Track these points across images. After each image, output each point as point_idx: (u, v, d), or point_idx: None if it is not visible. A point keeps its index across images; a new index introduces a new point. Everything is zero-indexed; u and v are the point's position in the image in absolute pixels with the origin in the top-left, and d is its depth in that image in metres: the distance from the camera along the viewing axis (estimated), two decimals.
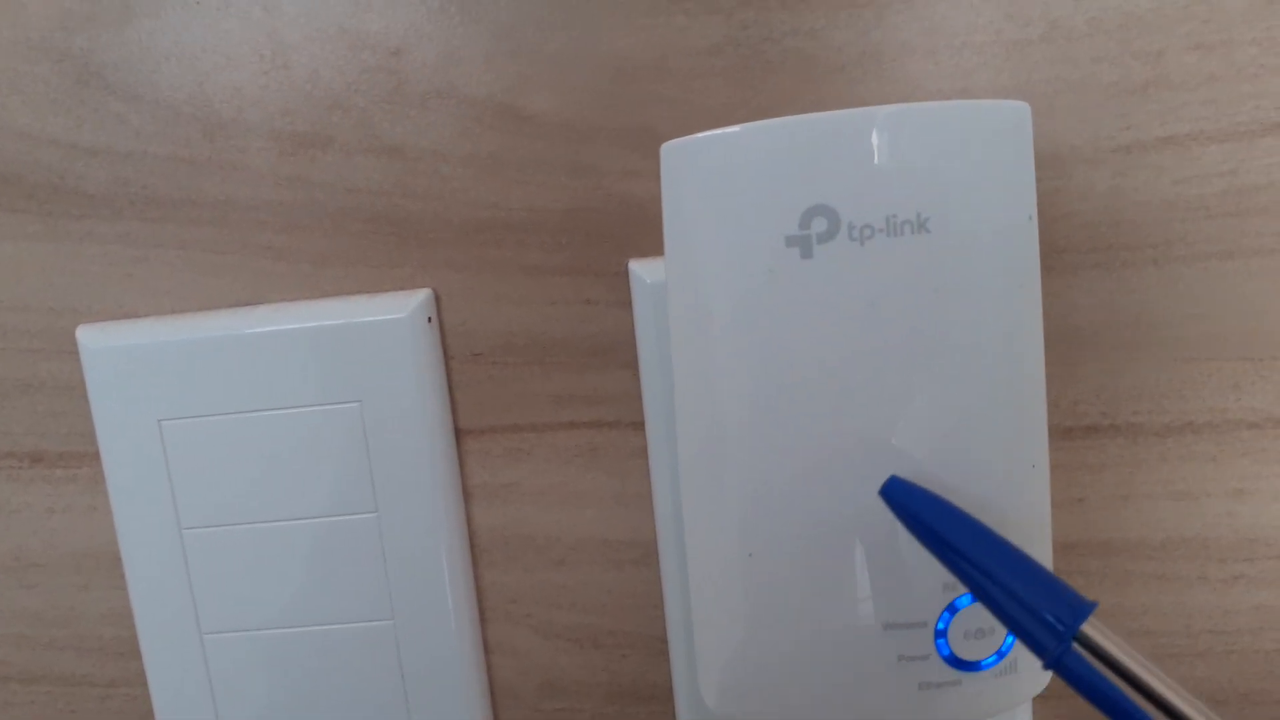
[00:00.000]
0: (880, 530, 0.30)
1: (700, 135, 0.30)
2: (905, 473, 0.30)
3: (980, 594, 0.27)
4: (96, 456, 0.41)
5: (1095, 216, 0.37)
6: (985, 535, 0.28)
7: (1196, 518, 0.38)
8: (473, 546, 0.41)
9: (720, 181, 0.30)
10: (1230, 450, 0.38)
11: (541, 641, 0.42)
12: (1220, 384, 0.37)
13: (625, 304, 0.39)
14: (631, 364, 0.39)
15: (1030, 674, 0.32)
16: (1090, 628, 0.25)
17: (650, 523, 0.40)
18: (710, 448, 0.31)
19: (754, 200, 0.29)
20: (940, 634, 0.31)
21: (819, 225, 0.29)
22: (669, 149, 0.30)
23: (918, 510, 0.29)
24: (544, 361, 0.39)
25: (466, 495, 0.41)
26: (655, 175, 0.37)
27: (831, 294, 0.29)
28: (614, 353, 0.39)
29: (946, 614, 0.31)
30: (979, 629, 0.31)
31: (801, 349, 0.30)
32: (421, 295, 0.39)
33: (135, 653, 0.43)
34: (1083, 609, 0.25)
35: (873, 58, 0.36)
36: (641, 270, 0.38)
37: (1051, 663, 0.25)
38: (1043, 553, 0.32)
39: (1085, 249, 0.37)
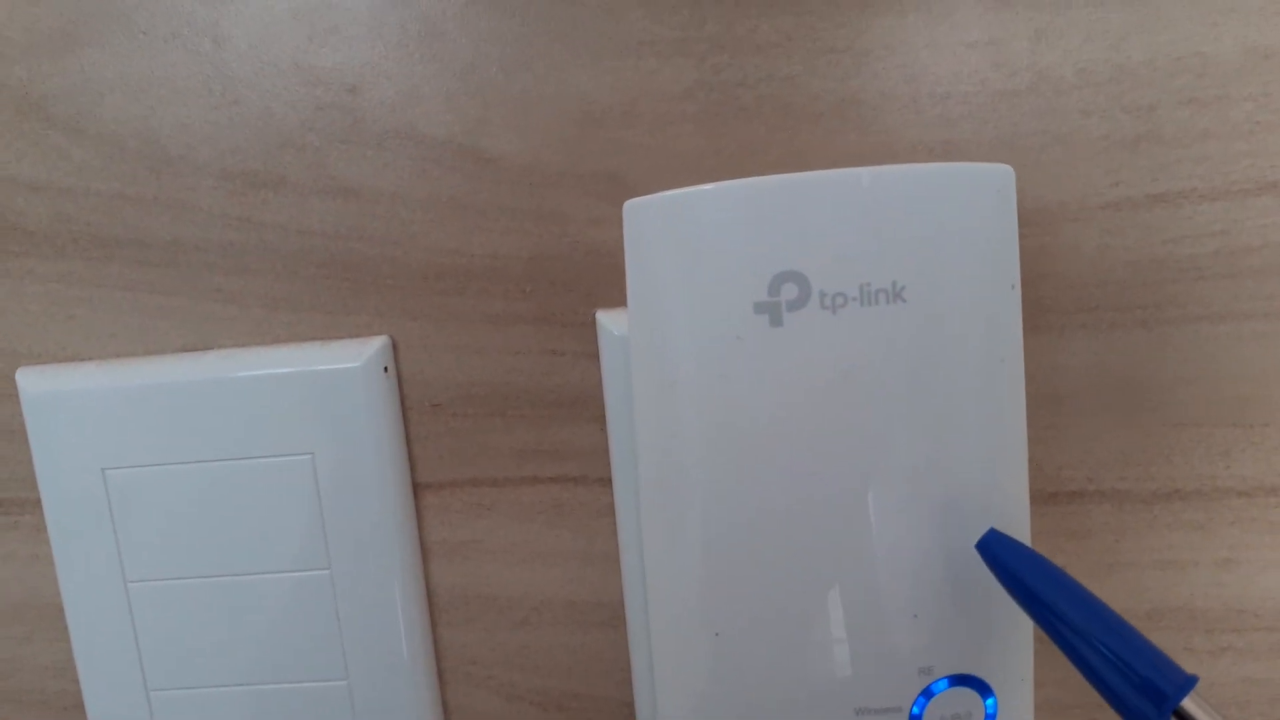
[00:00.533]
0: (854, 610, 0.29)
1: (666, 194, 0.28)
2: (880, 553, 0.28)
3: (1076, 657, 0.25)
4: (39, 503, 0.39)
5: (1082, 276, 0.35)
6: (1085, 598, 0.26)
7: (1184, 587, 0.37)
8: (431, 605, 0.39)
9: (686, 243, 0.28)
10: (1219, 519, 0.36)
11: (503, 704, 0.40)
12: (1210, 450, 0.36)
13: (592, 355, 0.37)
14: (599, 418, 0.37)
15: None
16: (1191, 703, 0.23)
17: (617, 583, 0.39)
18: (675, 519, 0.30)
19: (722, 264, 0.28)
20: (915, 719, 0.29)
21: (789, 292, 0.27)
22: (632, 207, 0.28)
23: (1015, 566, 0.27)
24: (506, 414, 0.38)
25: (425, 552, 0.39)
26: (621, 222, 0.35)
27: (802, 363, 0.27)
28: (580, 406, 0.37)
29: (922, 698, 0.29)
30: (955, 714, 0.29)
31: (770, 419, 0.28)
32: (378, 343, 0.37)
33: (78, 706, 0.41)
34: (1186, 682, 0.24)
35: (852, 105, 0.34)
36: (609, 321, 0.36)
37: None
38: (1023, 634, 0.30)
39: (1071, 309, 0.35)
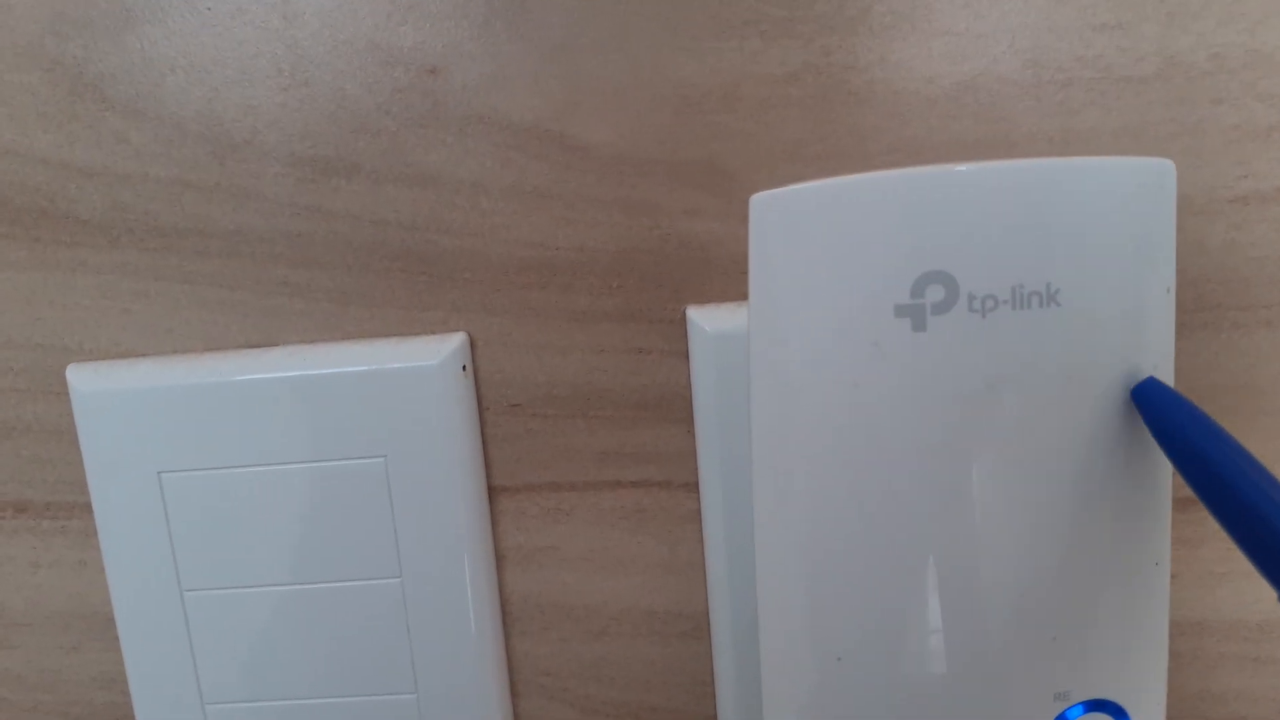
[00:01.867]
0: (990, 634, 0.27)
1: (798, 186, 0.26)
2: (1016, 573, 0.26)
3: (1223, 507, 0.24)
4: (88, 507, 0.37)
5: (1206, 272, 0.33)
6: (1244, 453, 0.24)
7: None
8: (504, 615, 0.37)
9: (820, 240, 0.26)
10: None
11: (579, 717, 0.38)
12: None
13: (681, 354, 0.35)
14: (686, 420, 0.35)
15: None
16: None
17: (701, 593, 0.37)
18: (794, 538, 0.28)
19: (859, 263, 0.26)
20: None
21: (934, 294, 0.25)
22: (760, 201, 0.26)
23: (1171, 415, 0.25)
24: (588, 415, 0.36)
25: (499, 559, 0.37)
26: (720, 215, 0.34)
27: (946, 372, 0.25)
28: (667, 407, 0.35)
29: None
30: None
31: (908, 431, 0.26)
32: (455, 340, 0.35)
33: (130, 719, 0.39)
34: None
35: (968, 91, 0.32)
36: (700, 318, 0.34)
37: None
38: (1159, 660, 0.29)
39: (1193, 307, 0.33)
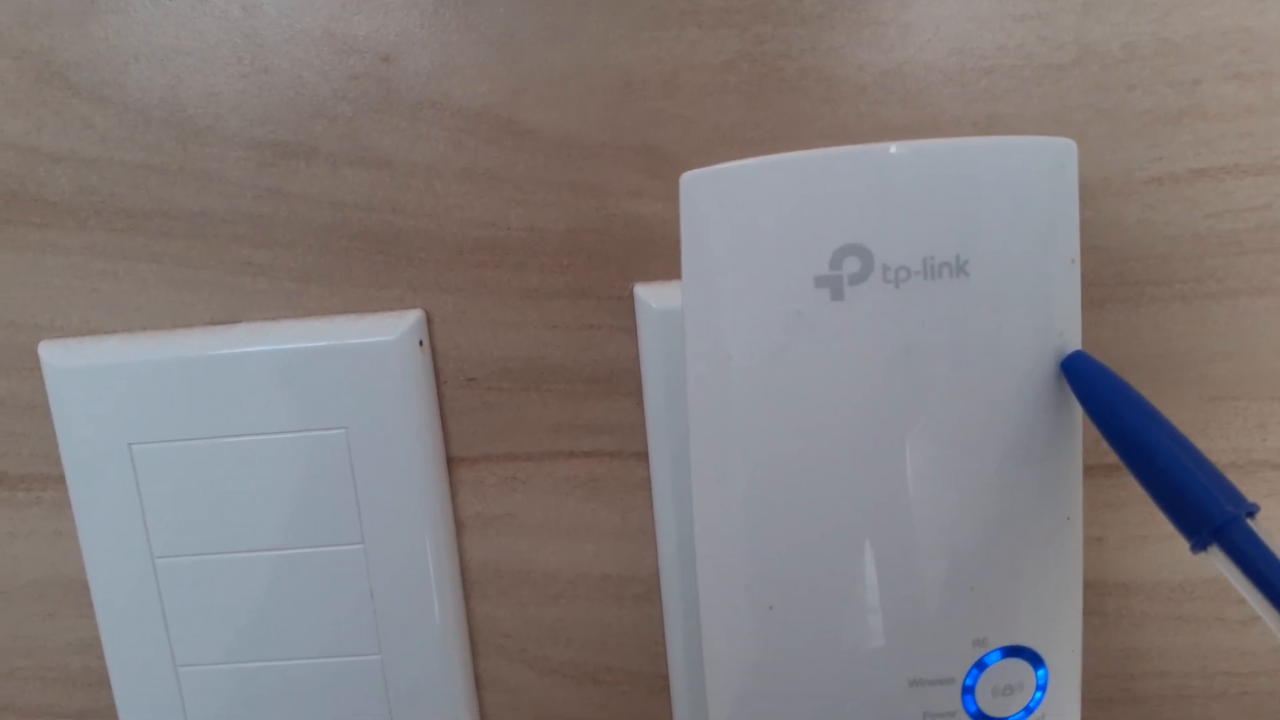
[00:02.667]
0: (910, 584, 0.29)
1: (725, 166, 0.28)
2: (937, 526, 0.28)
3: (1144, 471, 0.26)
4: (61, 479, 0.38)
5: (1124, 250, 0.35)
6: (1159, 419, 0.26)
7: None
8: (464, 580, 0.39)
9: (745, 216, 0.28)
10: (1254, 491, 0.37)
11: (537, 677, 0.40)
12: (1246, 424, 0.36)
13: (629, 330, 0.37)
14: (635, 392, 0.37)
15: None
16: (1252, 524, 0.24)
17: (653, 557, 0.39)
18: (728, 496, 0.30)
19: (781, 237, 0.27)
20: (968, 690, 0.29)
21: (851, 266, 0.27)
22: (690, 179, 0.28)
23: (1095, 385, 0.27)
24: (542, 388, 0.37)
25: (459, 526, 0.38)
26: (662, 196, 0.35)
27: (863, 338, 0.27)
28: (616, 380, 0.37)
29: (975, 670, 0.29)
30: (1007, 685, 0.30)
31: (828, 395, 0.28)
32: (412, 317, 0.36)
33: (104, 683, 0.40)
34: (1251, 506, 0.24)
35: (896, 78, 0.34)
36: (647, 295, 0.36)
37: (1213, 535, 0.24)
38: (1073, 609, 0.30)
39: (1112, 283, 0.35)
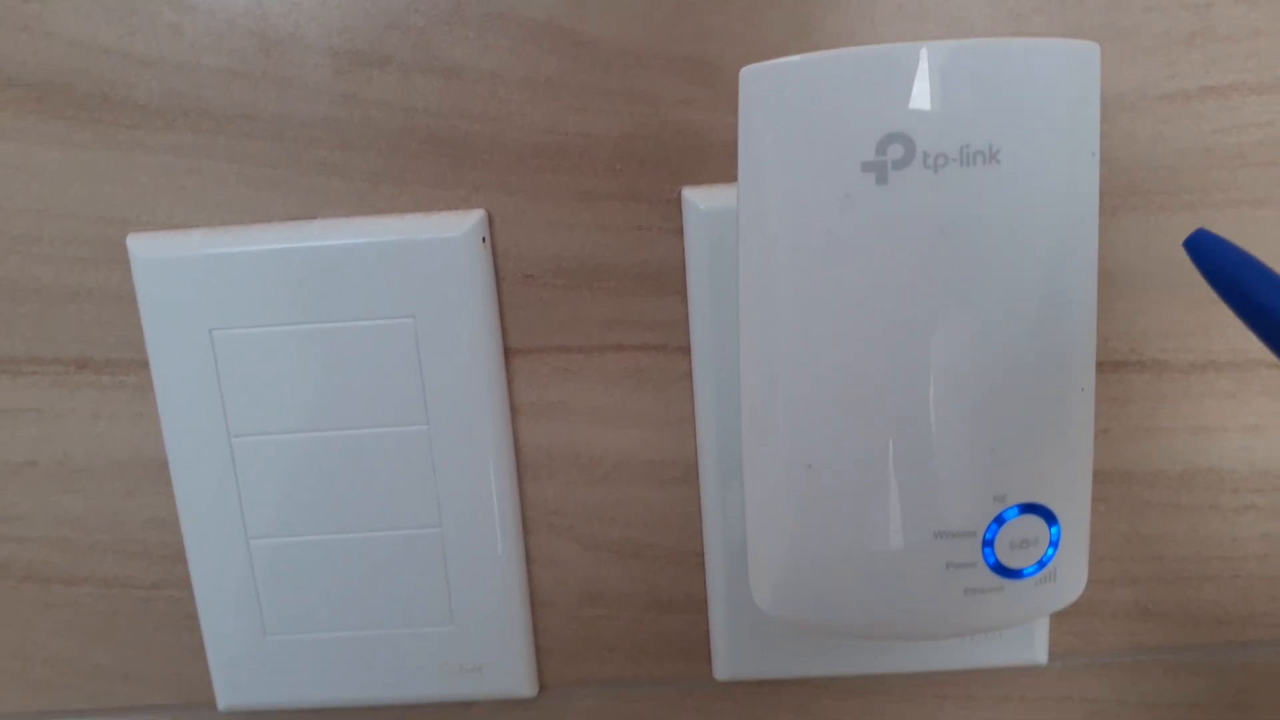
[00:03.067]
0: (939, 445, 0.32)
1: (782, 60, 0.30)
2: (963, 393, 0.31)
3: (1268, 336, 0.27)
4: (144, 364, 0.41)
5: (1136, 162, 0.38)
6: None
7: (1213, 451, 0.41)
8: (518, 462, 0.42)
9: (800, 106, 0.30)
10: (1249, 388, 0.40)
11: (582, 553, 0.43)
12: (1243, 326, 0.39)
13: (676, 231, 0.39)
14: (680, 290, 0.40)
15: (1067, 583, 0.34)
16: None
17: (692, 444, 0.42)
18: (775, 364, 0.33)
19: (832, 126, 0.30)
20: (988, 543, 0.33)
21: (895, 153, 0.30)
22: (749, 73, 0.31)
23: (1221, 262, 0.28)
24: (593, 286, 0.40)
25: (514, 412, 0.42)
26: (711, 104, 0.38)
27: (904, 219, 0.30)
28: (663, 279, 0.40)
29: (994, 525, 0.32)
30: (1024, 539, 0.33)
31: (871, 270, 0.31)
32: (476, 216, 0.39)
33: (178, 557, 0.43)
34: None
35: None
36: (695, 197, 0.39)
37: None
38: (1084, 473, 0.34)
39: (1125, 192, 0.38)
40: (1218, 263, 0.28)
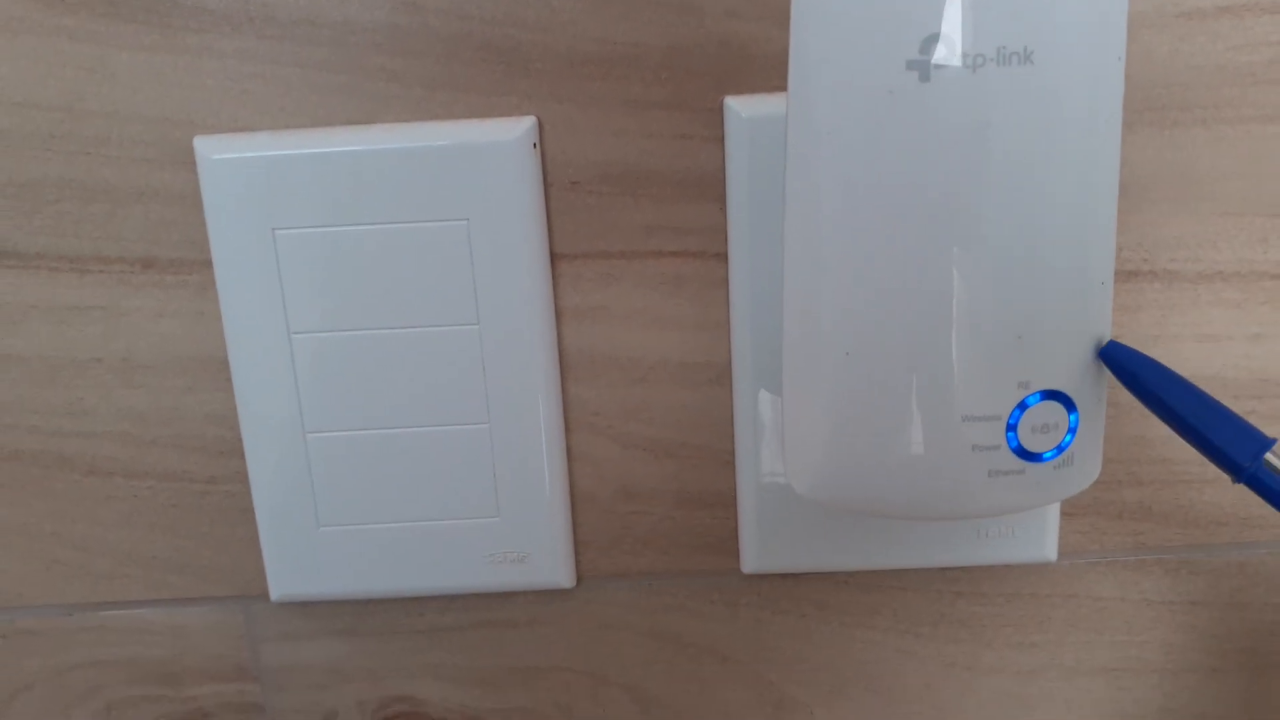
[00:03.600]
0: (968, 333, 0.34)
1: None
2: (993, 282, 0.34)
3: (1186, 432, 0.34)
4: (207, 264, 0.43)
5: (1153, 78, 0.40)
6: (1190, 388, 0.34)
7: (1218, 358, 0.43)
8: (561, 362, 0.44)
9: (848, 8, 0.33)
10: (1254, 299, 0.42)
11: (620, 451, 0.45)
12: (1250, 237, 0.42)
13: (718, 140, 0.42)
14: (719, 198, 0.42)
15: (1082, 469, 0.37)
16: (1273, 455, 0.32)
17: (725, 347, 0.44)
18: (818, 255, 0.35)
19: (878, 27, 0.32)
20: (1011, 427, 0.35)
21: (937, 52, 0.32)
22: None
23: (1135, 371, 0.35)
24: (636, 193, 0.42)
25: (558, 314, 0.44)
26: (754, 17, 0.40)
27: (944, 115, 0.32)
28: (704, 186, 0.42)
29: (1018, 410, 0.35)
30: (1044, 424, 0.35)
31: (911, 164, 0.33)
32: (527, 122, 0.41)
33: (235, 452, 0.46)
34: (1268, 441, 0.32)
35: None
36: (737, 105, 0.41)
37: (1245, 478, 0.32)
38: (1101, 365, 0.36)
39: (1141, 108, 0.41)
40: (1131, 369, 0.35)
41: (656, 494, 0.46)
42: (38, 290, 0.44)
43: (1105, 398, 0.37)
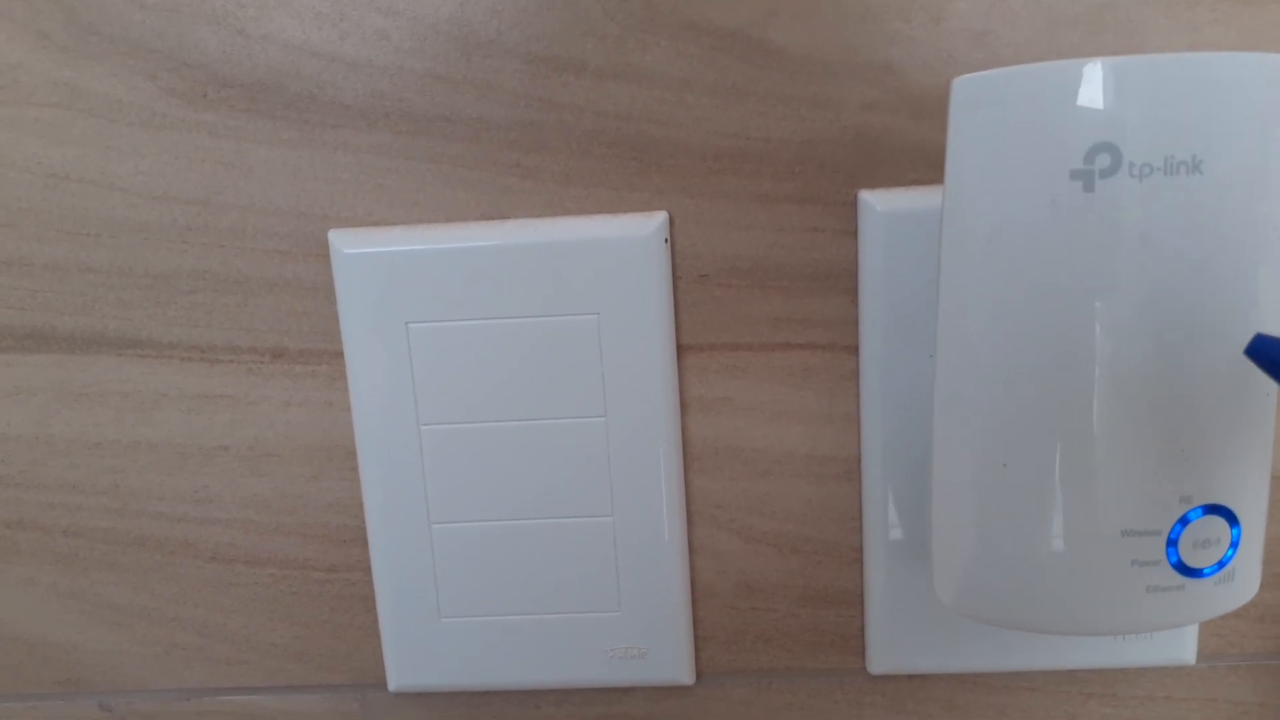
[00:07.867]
0: (1130, 445, 0.33)
1: (994, 71, 0.32)
2: (1156, 393, 0.33)
3: None
4: (336, 354, 0.44)
5: None
6: None
7: None
8: (685, 454, 0.44)
9: (1010, 114, 0.32)
10: None
11: (742, 545, 0.45)
12: None
13: (850, 232, 0.41)
14: (849, 290, 0.42)
15: (1243, 583, 0.35)
16: None
17: (853, 441, 0.43)
18: (973, 362, 0.34)
19: (1042, 135, 0.32)
20: (1172, 542, 0.34)
21: (1102, 161, 0.31)
22: (962, 83, 0.33)
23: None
24: (765, 285, 0.42)
25: (684, 406, 0.43)
26: (890, 109, 0.40)
27: (1108, 225, 0.32)
28: (834, 279, 0.42)
29: (1179, 525, 0.34)
30: (1206, 539, 0.34)
31: (1072, 273, 0.32)
32: (659, 218, 0.41)
33: (357, 540, 0.46)
34: None
35: (1108, 9, 0.38)
36: (872, 199, 0.40)
37: None
38: (1264, 476, 0.35)
39: None
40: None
41: (779, 590, 0.45)
42: (170, 379, 0.44)
43: (1266, 510, 0.35)
